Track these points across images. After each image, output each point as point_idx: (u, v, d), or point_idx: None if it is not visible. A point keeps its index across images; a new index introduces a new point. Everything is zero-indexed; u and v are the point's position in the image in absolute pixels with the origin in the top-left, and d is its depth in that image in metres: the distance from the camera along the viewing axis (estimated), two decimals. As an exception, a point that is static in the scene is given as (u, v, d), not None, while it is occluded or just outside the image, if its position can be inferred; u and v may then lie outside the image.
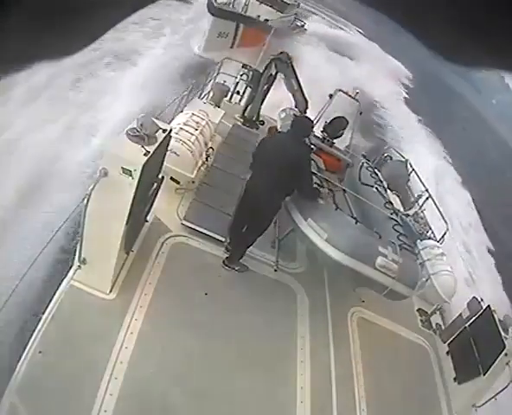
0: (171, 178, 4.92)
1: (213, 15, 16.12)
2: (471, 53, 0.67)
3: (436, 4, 0.66)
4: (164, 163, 4.11)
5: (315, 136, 6.34)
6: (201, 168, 5.40)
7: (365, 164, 6.28)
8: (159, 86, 11.74)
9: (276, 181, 4.06)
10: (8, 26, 0.61)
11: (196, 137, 5.16)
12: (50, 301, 3.36)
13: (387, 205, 5.20)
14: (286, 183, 4.12)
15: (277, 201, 4.25)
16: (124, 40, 13.27)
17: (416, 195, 7.23)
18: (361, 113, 7.31)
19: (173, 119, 5.67)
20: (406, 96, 24.41)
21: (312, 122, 4.61)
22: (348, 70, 19.62)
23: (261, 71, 7.78)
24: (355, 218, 4.44)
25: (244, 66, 8.43)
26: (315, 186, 4.45)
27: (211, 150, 5.71)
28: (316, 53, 19.95)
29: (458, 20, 0.63)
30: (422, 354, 4.94)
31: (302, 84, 7.45)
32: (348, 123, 6.56)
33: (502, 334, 4.27)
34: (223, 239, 4.63)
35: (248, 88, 8.28)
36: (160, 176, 4.00)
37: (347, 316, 4.74)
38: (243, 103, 8.48)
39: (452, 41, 0.67)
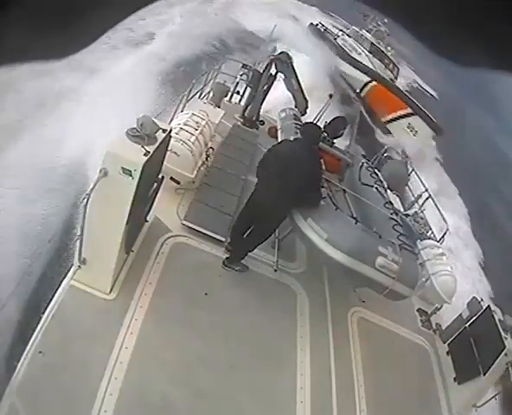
0: (171, 178, 4.92)
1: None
2: (471, 53, 0.67)
3: (435, 3, 0.66)
4: (164, 163, 4.10)
5: None
6: (201, 168, 5.39)
7: (365, 164, 6.27)
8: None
9: (286, 190, 4.04)
10: (7, 25, 0.61)
11: (196, 137, 5.15)
12: (50, 301, 3.36)
13: (387, 205, 5.20)
14: (296, 192, 4.09)
15: (284, 209, 4.24)
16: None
17: (416, 195, 7.25)
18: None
19: (173, 119, 5.68)
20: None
21: (321, 129, 4.63)
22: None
23: (261, 71, 7.79)
24: (354, 218, 4.43)
25: (244, 66, 8.44)
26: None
27: (211, 150, 5.71)
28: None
29: (458, 19, 0.63)
30: (422, 354, 4.93)
31: (302, 84, 7.46)
32: (348, 123, 6.57)
33: (502, 334, 4.27)
34: (223, 239, 4.62)
35: (248, 88, 8.29)
36: (160, 176, 4.00)
37: (347, 316, 4.74)
38: (243, 103, 8.49)
39: (451, 40, 0.67)
